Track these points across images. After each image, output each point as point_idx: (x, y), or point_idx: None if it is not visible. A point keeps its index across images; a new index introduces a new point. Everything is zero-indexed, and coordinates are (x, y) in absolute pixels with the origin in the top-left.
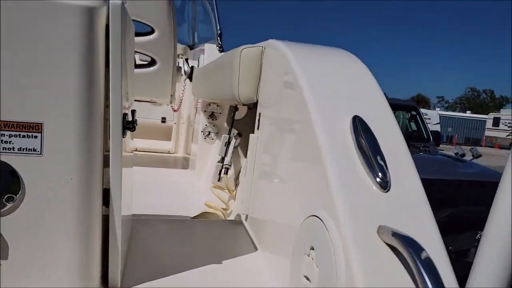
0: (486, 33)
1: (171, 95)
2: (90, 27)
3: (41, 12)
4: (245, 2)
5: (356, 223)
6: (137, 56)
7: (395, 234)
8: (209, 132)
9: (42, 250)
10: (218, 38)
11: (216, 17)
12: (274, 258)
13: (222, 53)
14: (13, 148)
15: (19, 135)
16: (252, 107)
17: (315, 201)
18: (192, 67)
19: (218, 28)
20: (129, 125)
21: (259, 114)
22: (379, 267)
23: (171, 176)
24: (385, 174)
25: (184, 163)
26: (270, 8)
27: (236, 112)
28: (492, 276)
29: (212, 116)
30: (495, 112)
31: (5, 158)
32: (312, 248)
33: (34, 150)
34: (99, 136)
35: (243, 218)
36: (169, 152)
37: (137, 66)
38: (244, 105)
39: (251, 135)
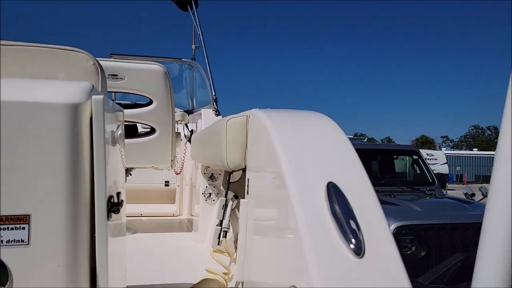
0: (483, 70)
1: (172, 160)
2: (74, 122)
3: (27, 112)
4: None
5: None
6: (138, 126)
7: None
8: (210, 194)
9: None
10: (214, 103)
11: (211, 84)
12: None
13: (219, 116)
14: (2, 241)
15: (8, 227)
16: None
17: (293, 271)
18: (192, 131)
19: (214, 93)
20: (113, 207)
21: (248, 179)
22: None
23: (174, 241)
24: (358, 240)
25: (188, 226)
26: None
27: (232, 175)
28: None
29: (212, 177)
30: None
31: None
32: None
33: (22, 241)
34: (85, 221)
35: (240, 286)
36: (173, 215)
37: (138, 135)
38: (233, 171)
39: (241, 200)
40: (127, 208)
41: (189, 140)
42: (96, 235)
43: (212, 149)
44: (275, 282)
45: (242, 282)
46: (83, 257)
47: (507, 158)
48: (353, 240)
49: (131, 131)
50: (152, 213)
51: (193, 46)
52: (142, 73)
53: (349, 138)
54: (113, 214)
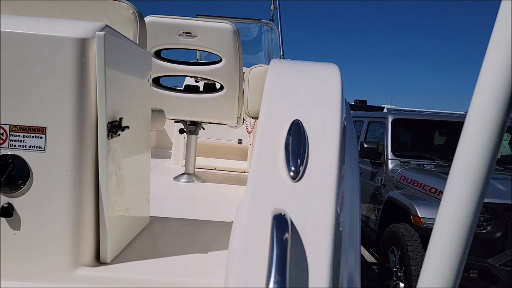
0: None
1: (238, 117)
2: (82, 53)
3: (43, 43)
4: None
5: (256, 203)
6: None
7: (278, 216)
8: None
9: (45, 225)
10: None
11: (281, 43)
12: None
13: None
14: (25, 145)
15: (30, 136)
16: None
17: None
18: None
19: (282, 53)
20: (114, 129)
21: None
22: (257, 241)
23: (240, 193)
24: (296, 167)
25: None
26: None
27: None
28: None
29: None
30: None
31: (19, 153)
32: None
33: (40, 147)
34: (90, 137)
35: None
36: (244, 171)
37: (207, 91)
38: (253, 118)
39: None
40: (202, 161)
41: None
42: (99, 148)
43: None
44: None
45: None
46: (87, 167)
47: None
48: (292, 168)
49: (209, 88)
50: (224, 167)
51: (272, 7)
52: (212, 31)
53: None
54: (115, 138)
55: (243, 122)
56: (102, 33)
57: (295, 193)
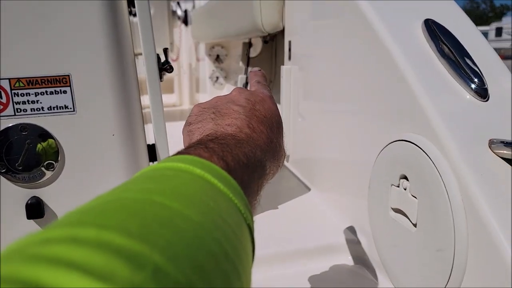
0: None
1: (171, 43)
2: None
3: None
4: None
5: (461, 140)
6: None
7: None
8: (217, 77)
9: None
10: None
11: None
12: (335, 196)
13: None
14: (42, 108)
15: (45, 91)
16: (270, 40)
17: (395, 124)
18: (185, 11)
19: None
20: (165, 65)
21: (289, 42)
22: (499, 187)
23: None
24: (481, 80)
25: None
26: None
27: (251, 49)
28: None
29: (218, 59)
30: (497, 22)
31: (35, 121)
32: (404, 178)
33: (66, 107)
34: (134, 83)
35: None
36: (174, 106)
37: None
38: (270, 36)
39: (283, 67)
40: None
41: (184, 22)
42: (150, 98)
43: (235, 14)
44: (355, 145)
45: (288, 156)
46: (138, 127)
47: None
48: (475, 80)
49: None
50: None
51: None
52: None
53: None
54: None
55: None
56: None
57: (495, 116)
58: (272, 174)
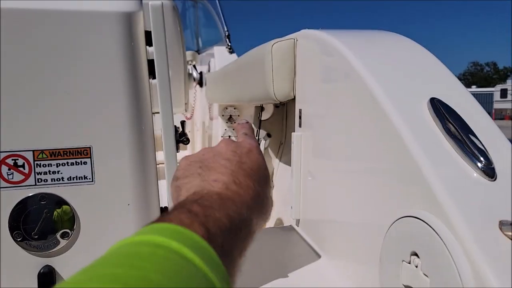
0: (484, 5)
1: (186, 103)
2: (130, 35)
3: (77, 24)
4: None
5: (471, 220)
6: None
7: None
8: (229, 136)
9: None
10: (227, 39)
11: (222, 19)
12: (346, 265)
13: (233, 54)
14: (62, 178)
15: (67, 162)
16: (280, 105)
17: (405, 200)
18: (201, 73)
19: (226, 29)
20: (182, 138)
21: (300, 110)
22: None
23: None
24: (488, 159)
25: None
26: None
27: (262, 112)
28: None
29: (230, 119)
30: (502, 84)
31: (54, 190)
32: (415, 254)
33: (85, 177)
34: (151, 153)
35: (293, 224)
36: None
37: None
38: (281, 103)
39: (293, 133)
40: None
41: (199, 83)
42: (166, 168)
43: (248, 81)
44: (367, 216)
45: (298, 220)
46: (153, 195)
47: None
48: (481, 159)
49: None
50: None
51: None
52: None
53: None
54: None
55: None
56: (158, 2)
57: (503, 196)
58: (260, 227)
